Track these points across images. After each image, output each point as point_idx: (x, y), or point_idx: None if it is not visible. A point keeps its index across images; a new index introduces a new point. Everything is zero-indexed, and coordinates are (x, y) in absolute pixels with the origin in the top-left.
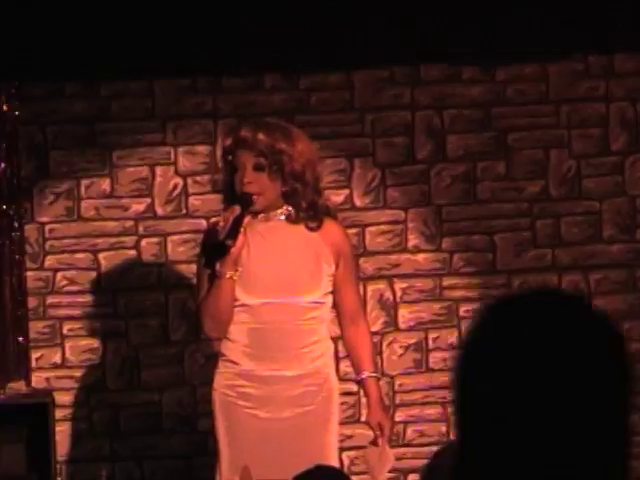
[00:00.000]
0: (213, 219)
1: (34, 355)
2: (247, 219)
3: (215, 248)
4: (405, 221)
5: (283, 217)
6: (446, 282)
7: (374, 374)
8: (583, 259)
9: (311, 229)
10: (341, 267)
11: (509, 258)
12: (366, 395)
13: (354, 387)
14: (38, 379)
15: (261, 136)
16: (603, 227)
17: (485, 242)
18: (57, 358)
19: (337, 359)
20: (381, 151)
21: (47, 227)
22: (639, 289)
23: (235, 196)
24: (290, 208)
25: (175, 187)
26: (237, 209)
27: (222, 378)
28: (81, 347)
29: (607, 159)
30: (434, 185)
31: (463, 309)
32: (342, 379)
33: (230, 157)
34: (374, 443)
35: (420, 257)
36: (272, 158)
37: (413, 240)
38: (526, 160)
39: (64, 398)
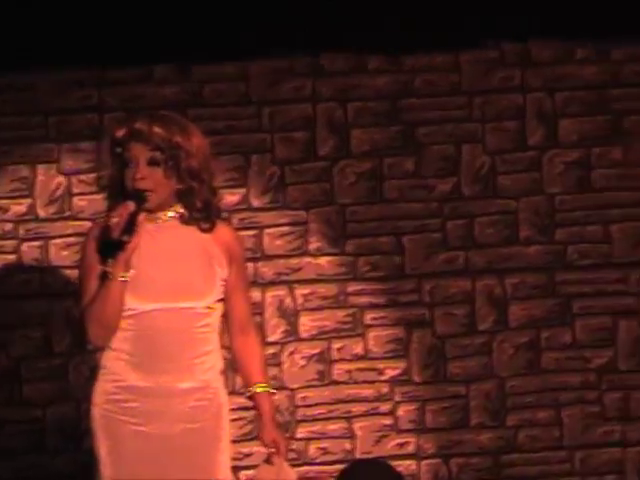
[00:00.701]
0: (100, 218)
1: None
2: (142, 216)
3: (106, 247)
4: (306, 222)
5: (175, 217)
6: (351, 288)
7: (266, 387)
8: (498, 262)
9: (204, 230)
10: (233, 272)
11: (418, 261)
12: (258, 411)
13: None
14: None
15: (157, 129)
16: (520, 228)
17: (393, 244)
18: None
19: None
20: (280, 147)
21: None
22: (559, 294)
23: (124, 192)
24: (182, 208)
25: (58, 187)
26: (132, 205)
27: (102, 392)
28: None
29: (523, 154)
30: (337, 183)
31: (369, 317)
32: (240, 393)
33: (120, 150)
34: (269, 462)
35: (323, 261)
36: (168, 153)
37: (315, 243)
38: (436, 156)
39: None
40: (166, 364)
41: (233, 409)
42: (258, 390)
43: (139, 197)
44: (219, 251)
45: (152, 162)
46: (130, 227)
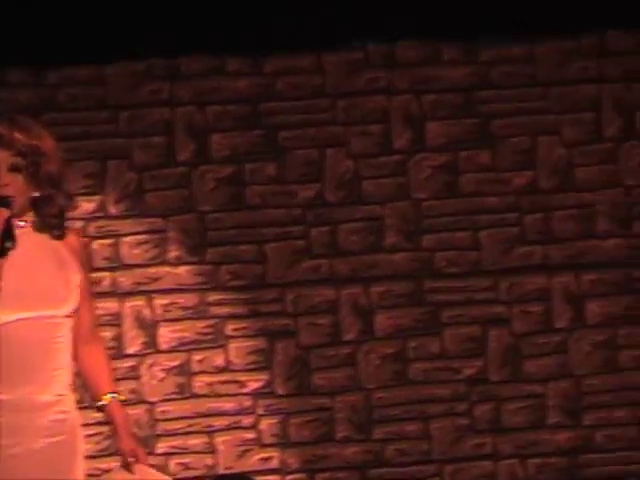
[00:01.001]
0: None
1: None
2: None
3: None
4: (165, 230)
5: (27, 224)
6: (211, 297)
7: (116, 397)
8: (363, 270)
9: (56, 237)
10: (81, 280)
11: (281, 270)
12: (111, 421)
13: None
14: None
15: (19, 134)
16: (385, 234)
17: (254, 252)
18: None
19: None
20: (138, 152)
21: None
22: (426, 303)
23: None
24: (35, 215)
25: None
26: (6, 211)
27: None
28: None
29: (389, 158)
30: (196, 189)
31: (230, 327)
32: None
33: None
34: (128, 469)
35: (182, 270)
36: (30, 159)
37: (174, 251)
38: (299, 161)
39: None
40: (29, 376)
41: (90, 424)
42: (108, 400)
43: (2, 204)
44: (71, 258)
45: (14, 168)
46: (9, 233)
